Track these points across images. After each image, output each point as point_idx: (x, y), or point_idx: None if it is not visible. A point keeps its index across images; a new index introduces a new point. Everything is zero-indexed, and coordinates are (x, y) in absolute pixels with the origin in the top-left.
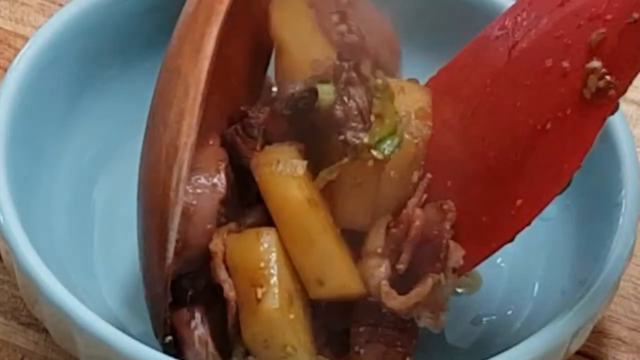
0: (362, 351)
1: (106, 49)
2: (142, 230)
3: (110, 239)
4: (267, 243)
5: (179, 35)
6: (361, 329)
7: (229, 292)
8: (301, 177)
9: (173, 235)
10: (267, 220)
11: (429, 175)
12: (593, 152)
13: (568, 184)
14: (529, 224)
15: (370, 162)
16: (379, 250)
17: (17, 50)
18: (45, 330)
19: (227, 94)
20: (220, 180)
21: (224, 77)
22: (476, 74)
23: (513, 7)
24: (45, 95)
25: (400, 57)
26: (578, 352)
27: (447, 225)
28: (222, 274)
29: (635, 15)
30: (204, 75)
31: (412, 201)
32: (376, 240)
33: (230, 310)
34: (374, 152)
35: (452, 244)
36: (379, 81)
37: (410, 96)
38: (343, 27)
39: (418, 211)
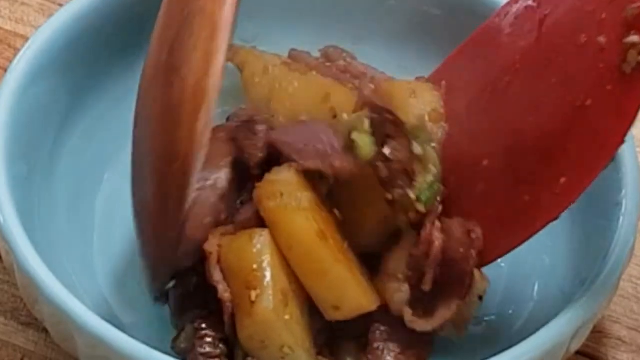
0: (380, 347)
1: (106, 49)
2: (149, 180)
3: (110, 239)
4: (260, 245)
5: None
6: (381, 329)
7: (224, 293)
8: (307, 209)
9: (194, 180)
10: (261, 220)
11: (444, 189)
12: None
13: (612, 159)
14: (574, 201)
15: (412, 215)
16: (400, 276)
17: (17, 50)
18: (45, 330)
19: None
20: (224, 176)
21: None
22: (499, 53)
23: None
24: (45, 95)
25: None
26: (578, 352)
27: (474, 253)
28: (216, 275)
29: None
30: (231, 15)
31: (430, 219)
32: (398, 266)
33: (226, 311)
34: (419, 206)
35: (477, 273)
36: (414, 122)
37: (422, 98)
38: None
39: (436, 233)
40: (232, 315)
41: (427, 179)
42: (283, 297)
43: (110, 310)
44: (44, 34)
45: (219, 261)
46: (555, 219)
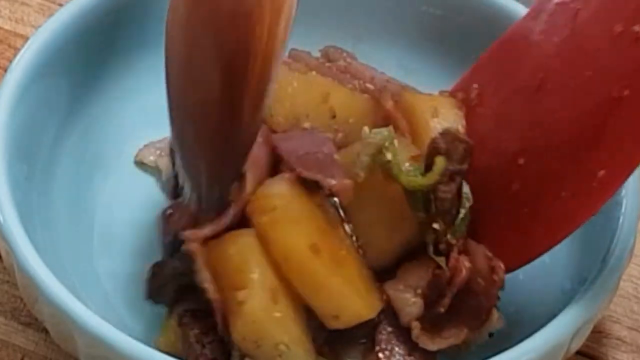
0: (388, 348)
1: (106, 49)
2: (217, 79)
3: (110, 239)
4: (245, 245)
5: None
6: (387, 330)
7: (213, 294)
8: (301, 223)
9: (273, 84)
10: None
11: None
12: None
13: None
14: (614, 194)
15: (443, 247)
16: (419, 291)
17: (17, 50)
18: (45, 330)
19: None
20: (261, 152)
21: None
22: (531, 52)
23: None
24: (45, 95)
25: None
26: (578, 352)
27: (496, 292)
28: (205, 276)
29: None
30: None
31: (458, 245)
32: (417, 282)
33: (218, 312)
34: (449, 238)
35: (495, 313)
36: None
37: (444, 118)
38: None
39: (466, 262)
40: (225, 317)
41: (463, 214)
42: (272, 294)
43: (110, 310)
44: (44, 34)
45: (207, 263)
46: (595, 213)
